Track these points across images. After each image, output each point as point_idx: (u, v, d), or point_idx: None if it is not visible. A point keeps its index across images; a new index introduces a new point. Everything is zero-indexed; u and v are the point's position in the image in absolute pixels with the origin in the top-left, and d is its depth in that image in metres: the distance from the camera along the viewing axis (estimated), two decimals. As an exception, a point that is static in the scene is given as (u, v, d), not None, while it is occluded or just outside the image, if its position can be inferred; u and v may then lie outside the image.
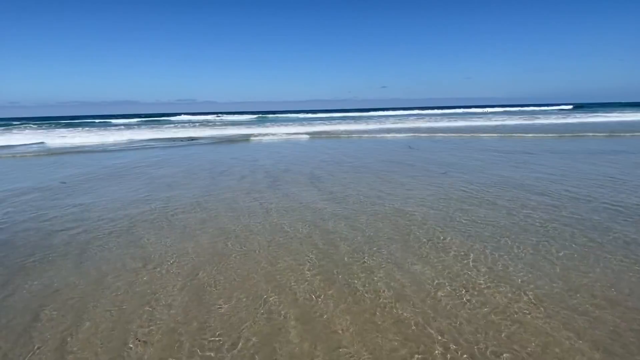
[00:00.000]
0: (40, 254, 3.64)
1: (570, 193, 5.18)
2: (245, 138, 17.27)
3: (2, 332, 2.45)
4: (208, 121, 40.89)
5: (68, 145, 15.71)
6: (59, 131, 23.57)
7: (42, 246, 3.80)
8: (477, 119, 28.15)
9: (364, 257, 3.33)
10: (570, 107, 67.50)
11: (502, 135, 15.12)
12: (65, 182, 6.79)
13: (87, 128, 28.33)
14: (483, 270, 3.04)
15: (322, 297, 2.72)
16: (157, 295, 2.78)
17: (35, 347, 2.26)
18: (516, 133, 15.72)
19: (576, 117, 27.53)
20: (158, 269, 3.19)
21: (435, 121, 27.10)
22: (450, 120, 27.01)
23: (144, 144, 15.78)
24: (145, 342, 2.29)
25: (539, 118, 27.62)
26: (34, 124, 39.26)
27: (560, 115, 30.90)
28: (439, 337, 2.24)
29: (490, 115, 36.48)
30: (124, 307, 2.65)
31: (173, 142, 16.13)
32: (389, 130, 19.23)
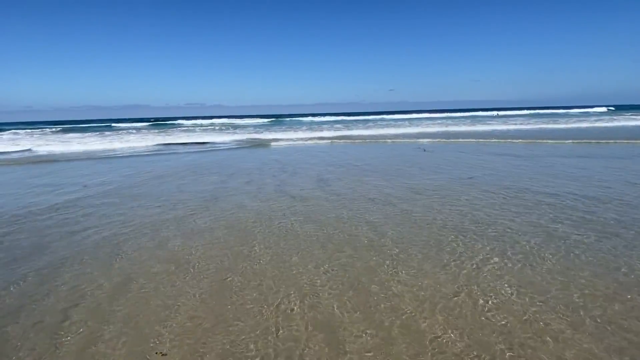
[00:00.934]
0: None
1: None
2: (266, 143, 17.39)
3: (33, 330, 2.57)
4: (225, 125, 41.32)
5: (126, 148, 16.47)
6: (106, 136, 24.25)
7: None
8: (495, 123, 27.80)
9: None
10: (591, 109, 65.65)
11: (531, 141, 14.81)
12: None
13: (108, 133, 28.95)
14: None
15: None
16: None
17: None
18: (543, 139, 15.37)
19: (613, 120, 26.91)
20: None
21: (455, 125, 26.80)
22: (473, 124, 26.63)
23: (177, 148, 16.04)
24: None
25: (557, 122, 27.12)
26: (68, 129, 40.26)
27: (590, 119, 30.28)
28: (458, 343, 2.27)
29: (503, 119, 36.00)
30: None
31: (205, 146, 16.39)
32: (417, 135, 19.05)
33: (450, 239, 3.92)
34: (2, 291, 3.15)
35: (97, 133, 29.02)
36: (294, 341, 2.38)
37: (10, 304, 2.94)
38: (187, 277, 3.28)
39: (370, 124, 35.34)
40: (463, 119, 39.90)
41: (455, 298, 2.79)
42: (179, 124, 49.52)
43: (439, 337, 2.35)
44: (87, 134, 26.80)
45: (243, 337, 2.44)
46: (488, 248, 3.65)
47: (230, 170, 9.33)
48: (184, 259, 3.69)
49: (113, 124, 54.26)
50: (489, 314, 2.57)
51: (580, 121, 27.17)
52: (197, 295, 2.96)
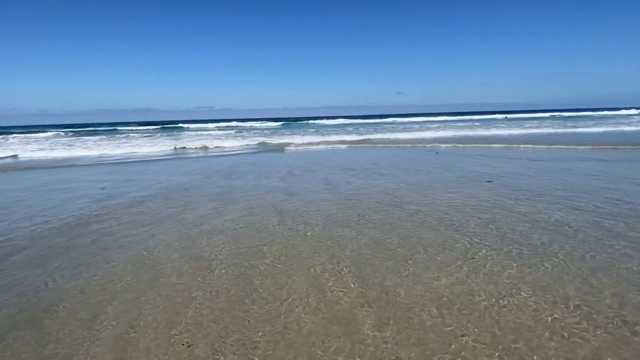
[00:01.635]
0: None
1: None
2: (281, 147, 16.91)
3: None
4: (238, 128, 41.02)
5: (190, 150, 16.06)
6: (150, 139, 23.99)
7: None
8: (514, 127, 27.01)
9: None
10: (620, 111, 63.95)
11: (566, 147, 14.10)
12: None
13: (122, 136, 28.80)
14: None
15: None
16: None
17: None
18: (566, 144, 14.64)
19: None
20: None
21: (471, 129, 26.10)
22: (487, 128, 25.93)
23: (197, 152, 15.68)
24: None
25: (577, 126, 26.24)
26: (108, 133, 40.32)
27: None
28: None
29: (520, 123, 35.12)
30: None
31: (236, 150, 15.98)
32: (433, 140, 18.45)
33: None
34: (41, 286, 3.38)
35: (123, 136, 28.95)
36: (310, 334, 2.52)
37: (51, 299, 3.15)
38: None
39: (384, 127, 34.75)
40: (473, 122, 39.27)
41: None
42: (188, 127, 49.45)
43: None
44: (118, 139, 26.64)
45: (264, 328, 2.60)
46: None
47: (274, 170, 9.34)
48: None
49: (119, 127, 54.45)
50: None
51: (614, 124, 26.13)
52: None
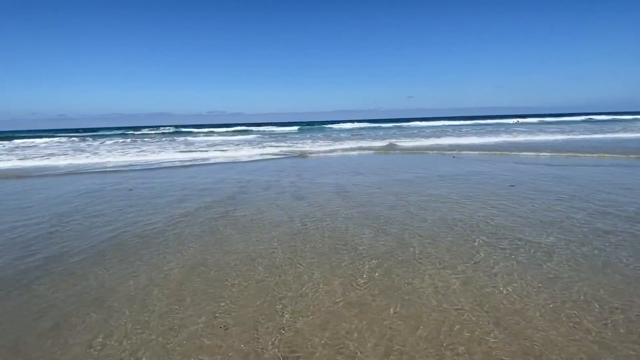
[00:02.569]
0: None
1: None
2: (312, 154, 16.94)
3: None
4: (261, 132, 41.33)
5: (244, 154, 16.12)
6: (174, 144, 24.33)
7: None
8: (537, 132, 26.59)
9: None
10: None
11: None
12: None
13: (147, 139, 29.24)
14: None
15: None
16: None
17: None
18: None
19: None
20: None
21: (495, 135, 25.74)
22: (513, 135, 25.51)
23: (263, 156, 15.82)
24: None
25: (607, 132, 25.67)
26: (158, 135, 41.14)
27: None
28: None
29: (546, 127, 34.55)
30: None
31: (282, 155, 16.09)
32: (458, 147, 18.26)
33: None
34: (98, 273, 3.88)
35: (160, 141, 29.37)
36: (330, 313, 2.92)
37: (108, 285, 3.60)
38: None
39: (404, 132, 34.61)
40: (489, 126, 38.75)
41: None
42: (213, 132, 49.92)
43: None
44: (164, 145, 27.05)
45: (291, 313, 2.95)
46: None
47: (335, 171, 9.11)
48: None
49: (134, 132, 55.29)
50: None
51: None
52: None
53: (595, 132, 25.42)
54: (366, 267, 3.82)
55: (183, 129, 59.43)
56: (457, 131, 33.70)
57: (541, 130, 29.31)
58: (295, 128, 53.48)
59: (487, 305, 2.95)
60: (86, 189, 8.96)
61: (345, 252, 4.27)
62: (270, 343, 2.57)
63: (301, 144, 22.59)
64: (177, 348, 2.55)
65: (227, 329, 2.73)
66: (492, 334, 2.60)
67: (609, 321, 2.71)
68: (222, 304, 3.13)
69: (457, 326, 2.70)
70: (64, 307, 3.20)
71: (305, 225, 5.41)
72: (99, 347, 2.61)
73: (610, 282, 3.31)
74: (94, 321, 2.94)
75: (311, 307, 3.01)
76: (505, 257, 3.92)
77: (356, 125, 60.87)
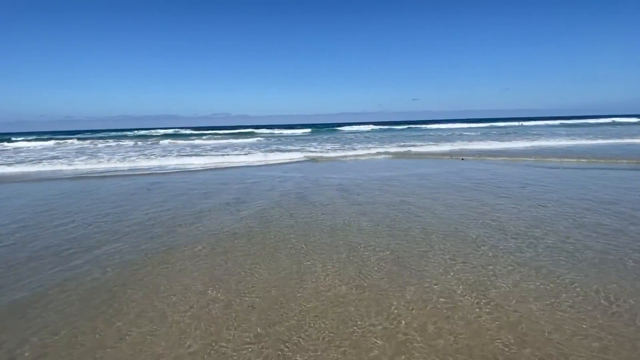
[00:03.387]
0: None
1: None
2: (337, 158, 16.21)
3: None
4: (270, 136, 40.84)
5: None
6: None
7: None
8: (559, 137, 25.44)
9: None
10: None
11: None
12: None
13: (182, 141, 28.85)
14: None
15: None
16: None
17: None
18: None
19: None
20: None
21: (514, 140, 24.66)
22: (567, 138, 24.38)
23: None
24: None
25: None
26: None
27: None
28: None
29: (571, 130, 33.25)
30: None
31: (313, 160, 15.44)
32: (490, 153, 17.32)
33: None
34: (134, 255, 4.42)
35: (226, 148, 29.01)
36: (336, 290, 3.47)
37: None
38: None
39: (420, 135, 33.72)
40: (499, 129, 37.55)
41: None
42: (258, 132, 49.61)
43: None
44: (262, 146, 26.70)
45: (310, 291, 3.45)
46: None
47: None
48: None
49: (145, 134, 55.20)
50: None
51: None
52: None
53: (622, 137, 24.13)
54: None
55: (196, 132, 59.28)
56: (479, 135, 32.69)
57: (556, 134, 28.18)
58: (308, 130, 52.72)
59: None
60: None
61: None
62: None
63: (320, 148, 21.90)
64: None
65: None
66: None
67: None
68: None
69: None
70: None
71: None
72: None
73: None
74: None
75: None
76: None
77: (364, 127, 59.98)
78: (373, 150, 19.50)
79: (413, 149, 20.15)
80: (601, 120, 63.51)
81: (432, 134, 37.99)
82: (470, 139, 26.42)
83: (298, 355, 2.53)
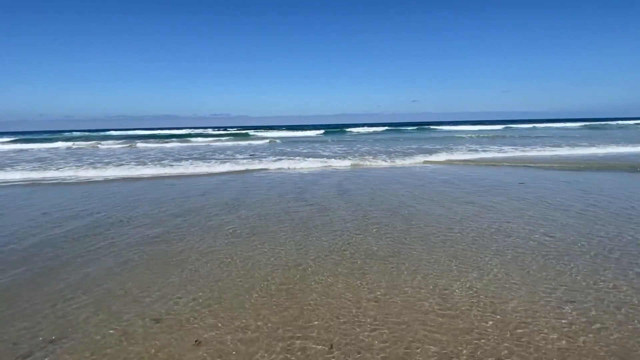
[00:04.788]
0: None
1: None
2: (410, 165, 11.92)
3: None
4: (282, 139, 36.14)
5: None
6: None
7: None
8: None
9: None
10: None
11: None
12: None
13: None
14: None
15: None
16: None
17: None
18: None
19: None
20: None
21: (555, 147, 20.90)
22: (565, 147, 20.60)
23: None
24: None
25: None
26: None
27: None
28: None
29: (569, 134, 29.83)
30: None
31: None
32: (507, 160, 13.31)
33: None
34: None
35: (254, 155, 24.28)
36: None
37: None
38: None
39: (442, 139, 29.81)
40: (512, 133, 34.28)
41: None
42: (251, 134, 44.79)
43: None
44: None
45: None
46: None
47: None
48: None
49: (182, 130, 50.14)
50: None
51: None
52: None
53: None
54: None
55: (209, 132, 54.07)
56: (520, 138, 29.09)
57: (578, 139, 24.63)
58: (321, 132, 48.01)
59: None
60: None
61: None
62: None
63: (362, 155, 17.60)
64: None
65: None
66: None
67: None
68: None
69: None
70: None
71: None
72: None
73: None
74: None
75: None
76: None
77: (368, 129, 55.66)
78: (442, 157, 15.28)
79: (484, 155, 16.11)
80: (619, 123, 61.27)
81: (461, 136, 34.15)
82: (530, 144, 22.57)
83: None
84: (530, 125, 59.87)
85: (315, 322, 2.87)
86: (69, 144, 31.92)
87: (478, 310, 2.99)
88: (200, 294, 3.42)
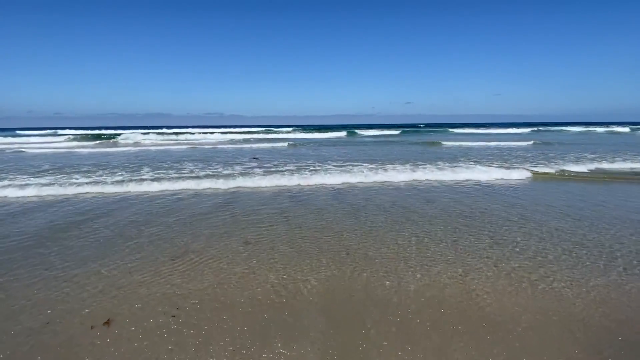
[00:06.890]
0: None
1: None
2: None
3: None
4: (292, 142, 33.52)
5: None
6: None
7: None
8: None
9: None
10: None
11: None
12: None
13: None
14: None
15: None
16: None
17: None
18: None
19: None
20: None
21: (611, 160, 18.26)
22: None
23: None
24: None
25: None
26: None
27: None
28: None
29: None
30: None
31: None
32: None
33: None
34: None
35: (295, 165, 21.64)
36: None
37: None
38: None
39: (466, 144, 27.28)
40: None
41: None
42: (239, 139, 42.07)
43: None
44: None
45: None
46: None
47: None
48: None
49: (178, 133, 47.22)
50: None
51: None
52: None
53: None
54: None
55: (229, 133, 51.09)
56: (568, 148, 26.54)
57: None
58: (343, 134, 44.15)
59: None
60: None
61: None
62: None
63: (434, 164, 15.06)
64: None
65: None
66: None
67: None
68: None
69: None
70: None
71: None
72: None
73: None
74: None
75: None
76: None
77: (378, 132, 51.98)
78: (516, 174, 12.72)
79: (565, 167, 13.63)
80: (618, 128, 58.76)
81: (469, 137, 31.54)
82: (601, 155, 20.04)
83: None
84: (528, 130, 57.61)
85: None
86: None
87: None
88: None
